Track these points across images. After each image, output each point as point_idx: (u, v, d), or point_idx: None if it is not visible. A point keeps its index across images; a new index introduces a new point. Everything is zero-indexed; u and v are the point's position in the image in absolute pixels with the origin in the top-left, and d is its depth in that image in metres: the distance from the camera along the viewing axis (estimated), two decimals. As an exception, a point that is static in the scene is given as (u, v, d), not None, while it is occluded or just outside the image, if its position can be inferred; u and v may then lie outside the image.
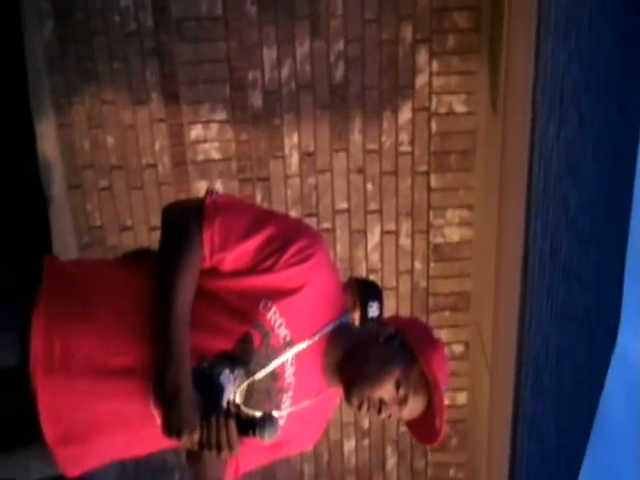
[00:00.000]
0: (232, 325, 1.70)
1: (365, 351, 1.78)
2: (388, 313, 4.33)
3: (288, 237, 1.76)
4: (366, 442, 4.82)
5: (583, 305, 5.40)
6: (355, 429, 4.78)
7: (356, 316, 3.32)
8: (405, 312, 4.59)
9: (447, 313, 4.63)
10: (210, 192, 1.79)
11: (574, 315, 5.12)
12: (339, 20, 4.15)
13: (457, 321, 4.64)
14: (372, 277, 4.49)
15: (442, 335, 4.61)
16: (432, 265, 4.56)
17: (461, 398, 4.72)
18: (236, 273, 1.73)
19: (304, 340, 1.77)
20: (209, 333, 1.70)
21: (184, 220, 1.73)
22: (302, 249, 1.75)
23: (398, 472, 4.89)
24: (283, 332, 1.74)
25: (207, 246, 1.71)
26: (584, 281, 5.31)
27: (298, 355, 1.77)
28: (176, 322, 1.64)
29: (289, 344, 1.75)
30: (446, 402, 1.77)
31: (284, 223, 1.83)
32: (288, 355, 1.75)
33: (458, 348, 4.68)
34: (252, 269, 1.73)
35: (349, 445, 4.82)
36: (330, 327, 1.81)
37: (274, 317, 1.72)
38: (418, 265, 4.55)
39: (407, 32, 4.18)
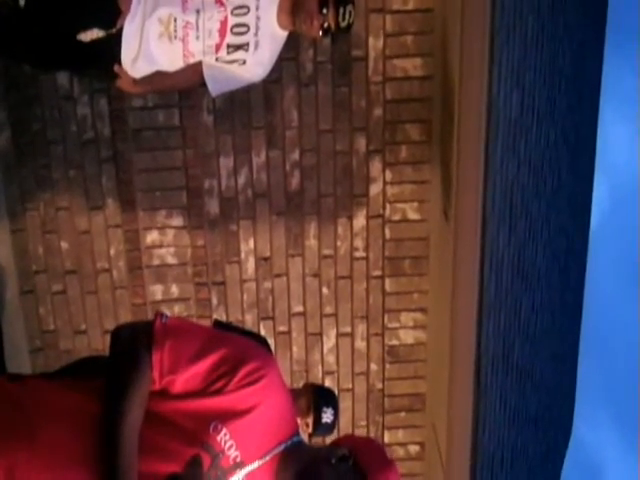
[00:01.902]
0: (181, 448, 1.68)
1: (318, 472, 1.77)
2: (345, 414, 4.35)
3: (239, 359, 1.76)
4: None
5: (536, 405, 5.43)
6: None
7: (309, 421, 3.31)
8: (361, 413, 4.59)
9: (403, 414, 4.64)
10: (160, 314, 1.80)
11: (528, 415, 5.14)
12: (294, 131, 4.26)
13: (413, 422, 4.64)
14: (328, 379, 4.50)
15: (398, 436, 4.62)
16: (387, 367, 4.58)
17: (417, 500, 4.67)
18: (186, 395, 1.72)
19: (255, 461, 1.76)
20: (158, 457, 1.67)
21: (133, 342, 1.73)
22: (253, 371, 1.75)
23: None
24: (233, 453, 1.72)
25: (156, 369, 1.70)
26: (537, 381, 5.35)
27: (249, 476, 1.75)
28: (124, 447, 1.62)
29: (239, 465, 1.73)
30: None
31: (235, 345, 1.82)
32: (239, 476, 1.74)
33: (414, 448, 4.67)
34: (202, 391, 1.72)
35: None
36: (281, 447, 1.80)
37: (224, 439, 1.71)
38: (374, 367, 4.57)
39: (361, 143, 4.30)
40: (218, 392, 1.72)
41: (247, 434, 1.74)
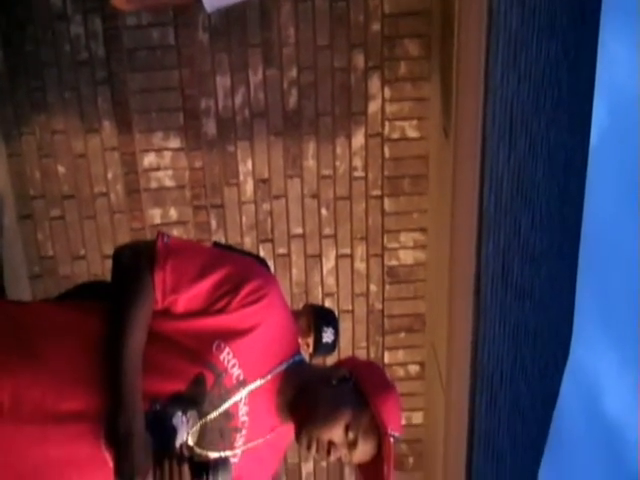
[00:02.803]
0: (184, 367, 1.69)
1: (317, 392, 1.78)
2: (345, 335, 4.38)
3: (241, 278, 1.76)
4: (324, 464, 4.83)
5: (535, 323, 5.47)
6: (313, 451, 4.76)
7: (310, 341, 3.33)
8: (361, 334, 4.63)
9: (402, 334, 4.67)
10: (162, 235, 1.79)
11: (527, 333, 5.19)
12: (291, 48, 4.18)
13: (412, 342, 4.68)
14: (328, 301, 4.52)
15: (398, 356, 4.66)
16: (387, 287, 4.60)
17: (417, 418, 4.75)
18: (189, 314, 1.72)
19: (257, 379, 1.77)
20: (161, 376, 1.68)
21: (135, 263, 1.73)
22: (255, 290, 1.75)
23: (356, 498, 4.90)
24: (236, 372, 1.73)
25: (159, 289, 1.71)
26: (536, 300, 5.38)
27: (251, 394, 1.77)
28: (128, 366, 1.63)
29: (242, 384, 1.75)
30: (396, 449, 1.76)
31: (237, 264, 1.82)
32: (241, 395, 1.75)
33: (414, 368, 4.71)
34: (205, 310, 1.73)
35: (307, 468, 4.82)
36: (283, 366, 1.81)
37: (227, 358, 1.72)
38: (373, 288, 4.59)
39: (359, 59, 4.22)
40: (220, 311, 1.73)
41: (249, 353, 1.75)
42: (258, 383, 1.77)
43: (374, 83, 4.28)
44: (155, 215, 4.37)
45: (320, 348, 3.33)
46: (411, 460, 4.80)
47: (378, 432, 1.74)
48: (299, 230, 4.46)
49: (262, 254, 4.37)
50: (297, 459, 4.75)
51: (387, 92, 4.30)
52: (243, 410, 1.76)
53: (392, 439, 1.74)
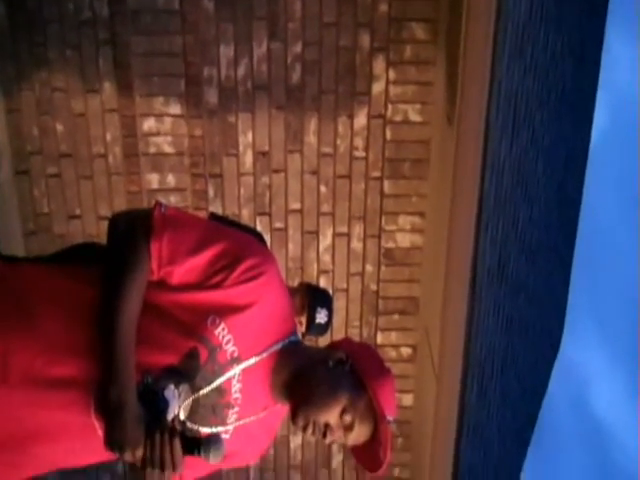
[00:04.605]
0: (178, 340, 1.67)
1: (314, 374, 1.77)
2: (339, 314, 4.37)
3: (239, 254, 1.73)
4: (312, 438, 4.81)
5: (528, 316, 5.47)
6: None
7: (303, 320, 3.30)
8: (355, 314, 4.61)
9: (396, 316, 4.66)
10: (159, 204, 1.76)
11: (520, 325, 5.19)
12: (297, 23, 4.13)
13: (406, 324, 4.67)
14: (323, 278, 4.51)
15: (391, 338, 4.66)
16: (383, 269, 4.57)
17: (407, 400, 4.76)
18: (184, 287, 1.70)
19: (252, 357, 1.75)
20: (154, 348, 1.66)
21: (132, 232, 1.70)
22: (253, 267, 1.72)
23: (343, 470, 4.93)
24: (231, 348, 1.71)
25: (155, 259, 1.67)
26: (530, 293, 5.38)
27: (245, 371, 1.75)
28: (121, 336, 1.61)
29: (236, 360, 1.73)
30: (391, 433, 1.76)
31: (235, 240, 1.80)
32: (235, 371, 1.73)
33: (406, 351, 4.71)
34: (201, 284, 1.70)
35: (295, 441, 4.83)
36: (279, 345, 1.80)
37: (222, 333, 1.70)
38: (369, 268, 4.56)
39: (365, 39, 4.18)
40: (216, 286, 1.70)
41: (245, 330, 1.73)
42: (252, 361, 1.75)
43: (379, 64, 4.24)
44: (152, 180, 4.32)
45: (313, 328, 3.30)
46: (400, 441, 4.82)
47: (374, 416, 1.75)
48: (297, 205, 4.42)
49: (259, 227, 4.34)
50: (286, 432, 4.75)
51: (392, 74, 4.26)
52: (236, 387, 1.75)
53: (388, 423, 1.74)
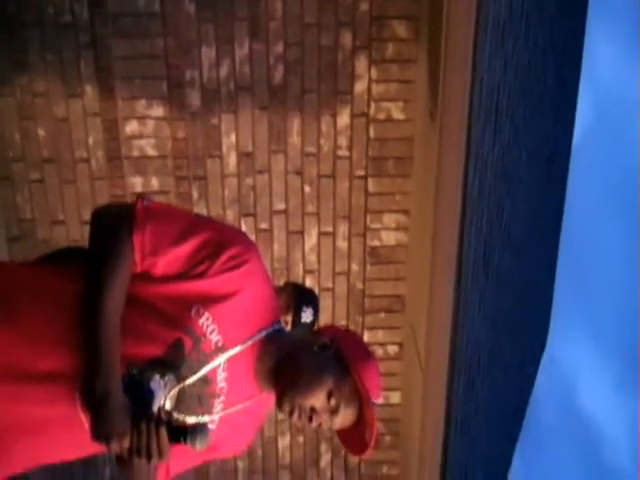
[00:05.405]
0: (163, 331, 1.68)
1: (299, 359, 1.78)
2: (325, 313, 4.37)
3: (222, 243, 1.74)
4: (300, 439, 4.84)
5: (514, 312, 5.49)
6: (289, 426, 4.80)
7: (288, 319, 3.30)
8: (341, 313, 4.62)
9: (382, 314, 4.66)
10: (142, 197, 1.77)
11: (505, 321, 5.20)
12: (279, 22, 4.13)
13: (392, 323, 4.67)
14: (309, 278, 4.51)
15: (377, 336, 4.67)
16: (368, 267, 4.58)
17: (395, 397, 4.76)
18: (168, 278, 1.70)
19: (236, 346, 1.75)
20: (139, 340, 1.67)
21: (114, 224, 1.70)
22: (235, 255, 1.73)
23: (332, 469, 4.92)
24: (215, 338, 1.72)
25: (138, 250, 1.68)
26: (515, 288, 5.40)
27: (230, 360, 1.75)
28: (106, 328, 1.61)
29: (221, 350, 1.73)
30: (377, 415, 1.77)
31: (218, 229, 1.81)
32: (220, 360, 1.74)
33: (392, 349, 4.71)
34: (184, 274, 1.70)
35: (283, 442, 4.83)
36: (263, 333, 1.80)
37: (206, 323, 1.70)
38: (355, 267, 4.57)
39: (346, 38, 4.18)
40: (200, 276, 1.71)
41: (229, 319, 1.73)
42: (237, 349, 1.76)
43: (361, 63, 4.25)
44: (136, 183, 4.31)
45: (298, 328, 3.30)
46: (388, 439, 4.82)
47: (359, 399, 1.76)
48: (282, 206, 4.42)
49: (244, 228, 4.34)
50: (274, 432, 4.74)
51: (374, 72, 4.27)
52: (222, 376, 1.75)
53: (374, 406, 1.75)
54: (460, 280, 3.81)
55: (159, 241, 1.69)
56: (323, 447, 4.84)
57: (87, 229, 1.75)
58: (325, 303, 4.44)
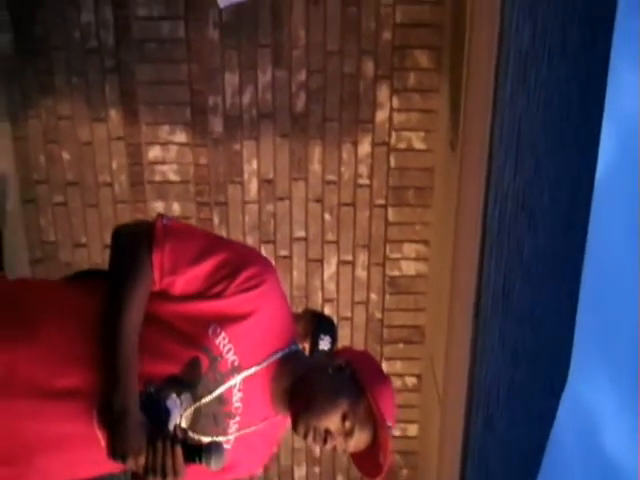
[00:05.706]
0: (180, 350, 1.69)
1: (314, 381, 1.78)
2: (343, 343, 4.32)
3: (240, 263, 1.75)
4: (317, 469, 4.80)
5: (533, 348, 5.42)
6: (306, 456, 4.75)
7: (306, 346, 3.29)
8: (359, 342, 4.58)
9: (401, 345, 4.63)
10: (161, 216, 1.79)
11: (525, 356, 5.14)
12: (301, 50, 4.16)
13: (411, 354, 4.64)
14: (327, 306, 4.50)
15: (396, 367, 4.63)
16: (387, 297, 4.56)
17: (412, 430, 4.72)
18: (186, 297, 1.71)
19: (252, 366, 1.76)
20: (156, 358, 1.68)
21: (134, 243, 1.72)
22: (253, 276, 1.74)
23: (348, 499, 4.86)
24: (231, 357, 1.72)
25: (157, 269, 1.69)
26: (536, 323, 5.34)
27: (246, 381, 1.76)
28: (124, 346, 1.63)
29: (237, 369, 1.74)
30: (392, 439, 1.76)
31: (236, 249, 1.83)
32: (236, 380, 1.74)
33: (411, 380, 4.68)
34: (202, 294, 1.72)
35: (300, 472, 4.79)
36: (279, 354, 1.80)
37: (223, 342, 1.71)
38: (374, 297, 4.55)
39: (369, 67, 4.20)
40: (217, 295, 1.72)
41: (245, 339, 1.74)
42: (253, 370, 1.76)
43: (383, 92, 4.26)
44: (158, 208, 4.33)
45: (315, 355, 3.29)
46: (405, 472, 4.77)
47: (374, 421, 1.75)
48: (302, 233, 4.42)
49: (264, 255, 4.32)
50: (290, 462, 4.70)
51: (395, 102, 4.28)
52: (237, 396, 1.76)
53: (388, 429, 1.75)
54: (479, 313, 3.78)
55: (178, 260, 1.71)
56: (339, 478, 4.79)
57: (109, 252, 1.76)
58: (343, 332, 4.41)
